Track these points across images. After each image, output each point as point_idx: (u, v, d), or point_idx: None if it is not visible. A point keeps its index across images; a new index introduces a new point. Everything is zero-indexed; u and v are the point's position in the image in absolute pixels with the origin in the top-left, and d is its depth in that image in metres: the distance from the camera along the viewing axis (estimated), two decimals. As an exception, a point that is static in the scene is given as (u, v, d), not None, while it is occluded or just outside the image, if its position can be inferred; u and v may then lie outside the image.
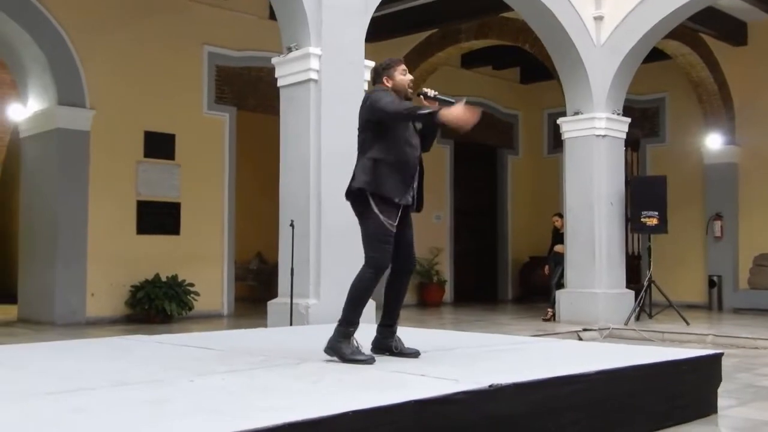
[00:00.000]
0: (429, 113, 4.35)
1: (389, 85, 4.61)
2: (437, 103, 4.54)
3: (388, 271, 4.59)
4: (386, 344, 4.60)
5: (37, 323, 10.33)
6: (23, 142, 11.38)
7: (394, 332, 4.64)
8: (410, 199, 4.56)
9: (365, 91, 7.97)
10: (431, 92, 4.61)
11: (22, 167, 11.47)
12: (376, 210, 4.40)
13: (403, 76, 4.64)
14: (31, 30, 10.34)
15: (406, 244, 4.60)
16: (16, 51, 10.74)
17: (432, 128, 4.70)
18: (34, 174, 11.06)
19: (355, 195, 4.49)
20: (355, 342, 4.38)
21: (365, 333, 4.52)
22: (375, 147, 4.47)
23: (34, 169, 11.07)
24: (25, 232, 11.16)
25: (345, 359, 4.29)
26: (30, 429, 2.77)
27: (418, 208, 4.67)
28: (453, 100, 4.47)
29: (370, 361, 4.30)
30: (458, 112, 4.25)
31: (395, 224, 4.45)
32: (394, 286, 4.67)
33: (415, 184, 4.59)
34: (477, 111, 4.30)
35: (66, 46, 10.59)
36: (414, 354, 4.57)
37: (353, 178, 4.51)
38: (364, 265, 4.45)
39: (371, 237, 4.44)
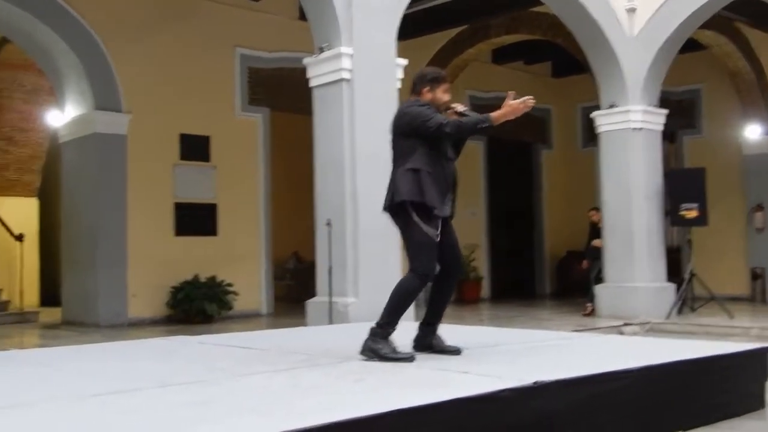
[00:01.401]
0: (488, 123, 4.37)
1: (428, 97, 4.57)
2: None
3: None
4: (427, 342, 4.61)
5: (81, 325, 10.49)
6: (62, 148, 11.57)
7: (435, 331, 4.65)
8: (448, 211, 4.55)
9: (398, 89, 7.98)
10: (461, 107, 4.61)
11: (61, 172, 11.67)
12: (418, 220, 4.37)
13: (443, 94, 4.61)
14: (68, 38, 10.49)
15: (451, 247, 4.58)
16: (53, 59, 10.91)
17: (465, 138, 4.71)
18: (74, 178, 11.23)
19: (395, 208, 4.45)
20: (393, 342, 4.38)
21: (405, 331, 4.51)
22: (414, 158, 4.41)
23: (74, 174, 11.24)
24: (67, 235, 11.34)
25: (385, 358, 4.28)
26: (78, 431, 2.82)
27: (451, 215, 4.65)
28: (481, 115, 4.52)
29: (410, 358, 4.30)
30: (508, 110, 4.35)
31: (438, 233, 4.42)
32: (440, 288, 4.65)
33: (451, 195, 4.57)
34: (526, 100, 4.36)
35: (101, 52, 10.72)
36: (456, 351, 4.56)
37: (393, 191, 4.45)
38: (410, 272, 4.44)
39: (417, 246, 4.41)
